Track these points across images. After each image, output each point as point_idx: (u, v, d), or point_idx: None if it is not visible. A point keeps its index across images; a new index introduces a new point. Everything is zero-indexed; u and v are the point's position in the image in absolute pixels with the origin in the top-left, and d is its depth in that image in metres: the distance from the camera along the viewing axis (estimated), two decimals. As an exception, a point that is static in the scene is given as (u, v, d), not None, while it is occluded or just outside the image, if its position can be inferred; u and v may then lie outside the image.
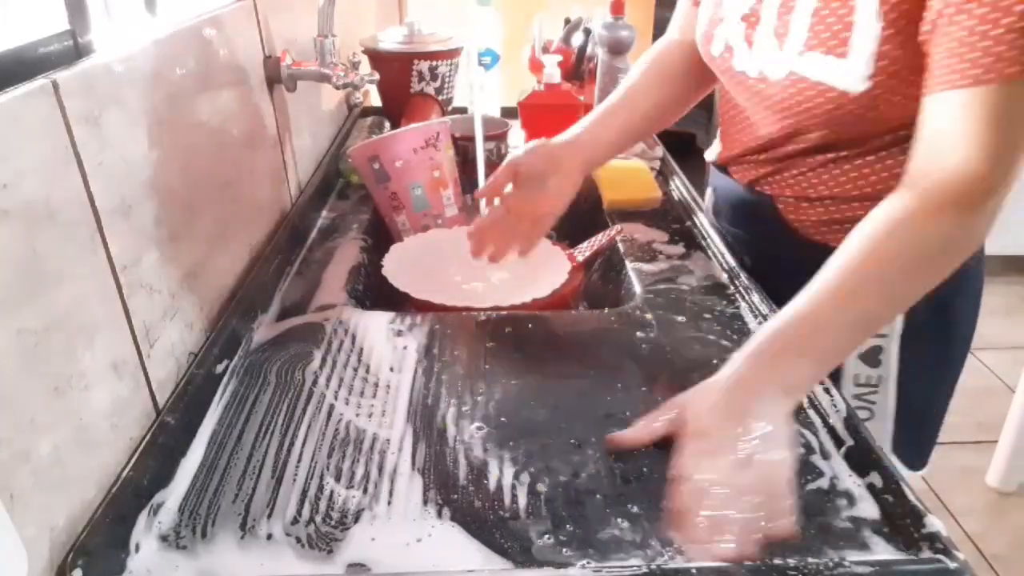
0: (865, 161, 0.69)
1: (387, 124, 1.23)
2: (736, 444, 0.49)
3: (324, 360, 0.66)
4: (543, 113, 1.21)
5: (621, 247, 0.88)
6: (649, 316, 0.73)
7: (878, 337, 0.74)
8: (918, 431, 0.78)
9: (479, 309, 0.75)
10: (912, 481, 0.54)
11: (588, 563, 0.45)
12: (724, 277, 0.81)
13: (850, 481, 0.52)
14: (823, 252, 0.56)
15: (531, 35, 1.44)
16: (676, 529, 0.48)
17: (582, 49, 1.39)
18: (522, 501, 0.50)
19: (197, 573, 0.45)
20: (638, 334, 0.70)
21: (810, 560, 0.45)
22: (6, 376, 0.41)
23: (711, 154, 0.87)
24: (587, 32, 1.38)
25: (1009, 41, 0.51)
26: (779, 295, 0.66)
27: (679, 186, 1.04)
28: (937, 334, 0.75)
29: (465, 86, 1.17)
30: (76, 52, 0.53)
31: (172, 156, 0.62)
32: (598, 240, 0.90)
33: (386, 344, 0.68)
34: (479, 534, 0.47)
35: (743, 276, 0.78)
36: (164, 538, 0.47)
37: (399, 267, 0.82)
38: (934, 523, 0.46)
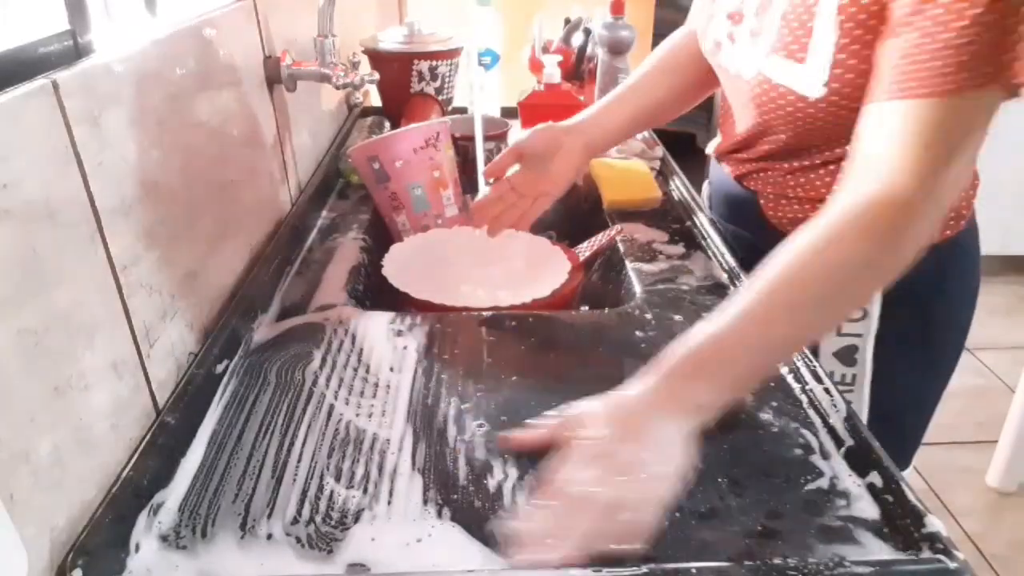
0: (839, 167, 0.69)
1: (387, 124, 1.23)
2: (619, 460, 0.48)
3: (324, 360, 0.66)
4: (543, 113, 1.20)
5: (621, 247, 0.88)
6: (649, 316, 0.73)
7: (853, 336, 0.74)
8: (895, 432, 0.78)
9: (479, 309, 0.75)
10: (912, 481, 0.54)
11: (589, 564, 0.45)
12: (724, 277, 0.81)
13: (850, 481, 0.52)
14: None
15: (531, 35, 1.44)
16: (519, 529, 0.47)
17: (582, 49, 1.39)
18: (522, 501, 0.50)
19: (197, 573, 0.45)
20: (638, 334, 0.70)
21: (810, 560, 0.45)
22: (6, 376, 0.41)
23: (710, 147, 0.88)
24: (587, 32, 1.38)
25: (945, 57, 0.51)
26: None
27: (679, 186, 1.04)
28: (916, 335, 0.75)
29: (465, 86, 1.17)
30: (76, 52, 0.53)
31: (172, 156, 0.62)
32: (598, 240, 0.90)
33: (386, 344, 0.68)
34: (479, 534, 0.47)
35: (743, 276, 0.78)
36: (164, 538, 0.47)
37: (399, 267, 0.82)
38: (934, 523, 0.46)
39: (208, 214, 0.70)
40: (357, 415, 0.59)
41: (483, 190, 0.86)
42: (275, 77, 0.89)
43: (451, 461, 0.54)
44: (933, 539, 0.46)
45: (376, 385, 0.63)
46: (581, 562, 0.44)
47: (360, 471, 0.53)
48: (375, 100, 1.39)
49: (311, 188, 0.99)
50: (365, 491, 0.51)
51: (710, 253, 0.86)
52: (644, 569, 0.44)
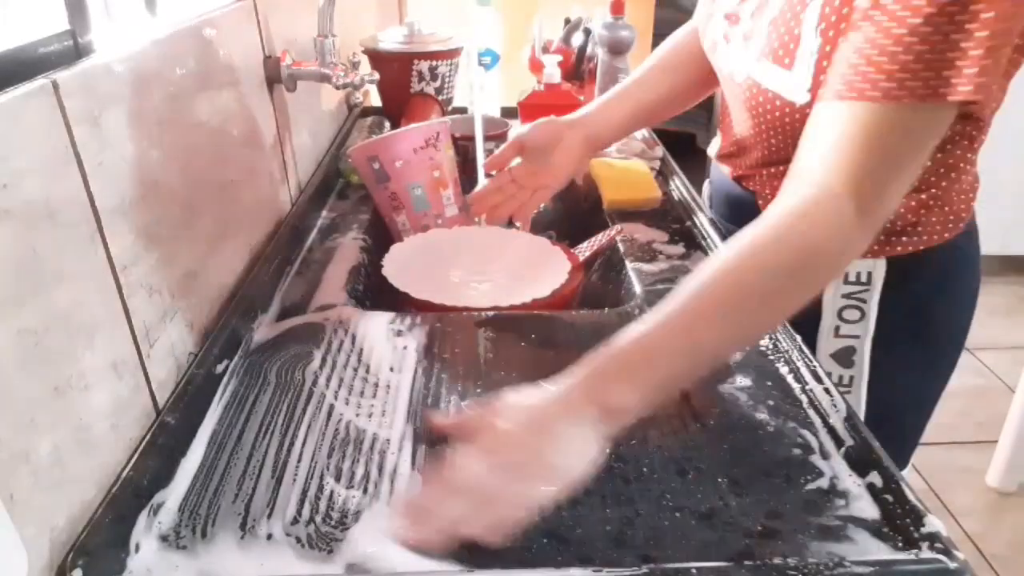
0: None
1: (387, 124, 1.22)
2: (513, 455, 0.48)
3: (324, 360, 0.66)
4: (543, 113, 1.19)
5: (621, 247, 0.88)
6: (649, 316, 0.73)
7: (851, 338, 0.74)
8: (893, 432, 0.78)
9: (479, 309, 0.75)
10: (912, 481, 0.54)
11: (588, 564, 0.45)
12: (724, 277, 0.81)
13: (850, 481, 0.52)
14: None
15: (531, 35, 1.44)
16: (401, 512, 0.48)
17: (582, 49, 1.39)
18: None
19: (197, 573, 0.45)
20: (638, 334, 0.70)
21: (810, 560, 0.45)
22: (6, 376, 0.41)
23: (712, 147, 0.88)
24: (587, 32, 1.38)
25: (883, 64, 0.51)
26: None
27: (679, 186, 1.04)
28: (914, 337, 0.75)
29: (465, 86, 1.17)
30: (76, 52, 0.53)
31: (172, 156, 0.62)
32: (598, 240, 0.90)
33: (386, 344, 0.68)
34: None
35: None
36: (164, 538, 0.47)
37: (399, 267, 0.82)
38: (934, 523, 0.46)
39: (208, 214, 0.70)
40: (357, 415, 0.59)
41: (483, 182, 0.86)
42: (275, 77, 0.89)
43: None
44: (933, 539, 0.46)
45: (376, 385, 0.63)
46: (436, 548, 0.45)
47: (360, 471, 0.53)
48: (375, 100, 1.39)
49: (311, 188, 0.99)
50: (365, 491, 0.51)
51: (710, 253, 0.86)
52: (644, 569, 0.44)
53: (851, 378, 0.76)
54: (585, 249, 0.89)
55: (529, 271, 0.83)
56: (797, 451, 0.55)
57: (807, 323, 0.73)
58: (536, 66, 1.37)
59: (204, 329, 0.67)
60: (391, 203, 0.92)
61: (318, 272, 0.83)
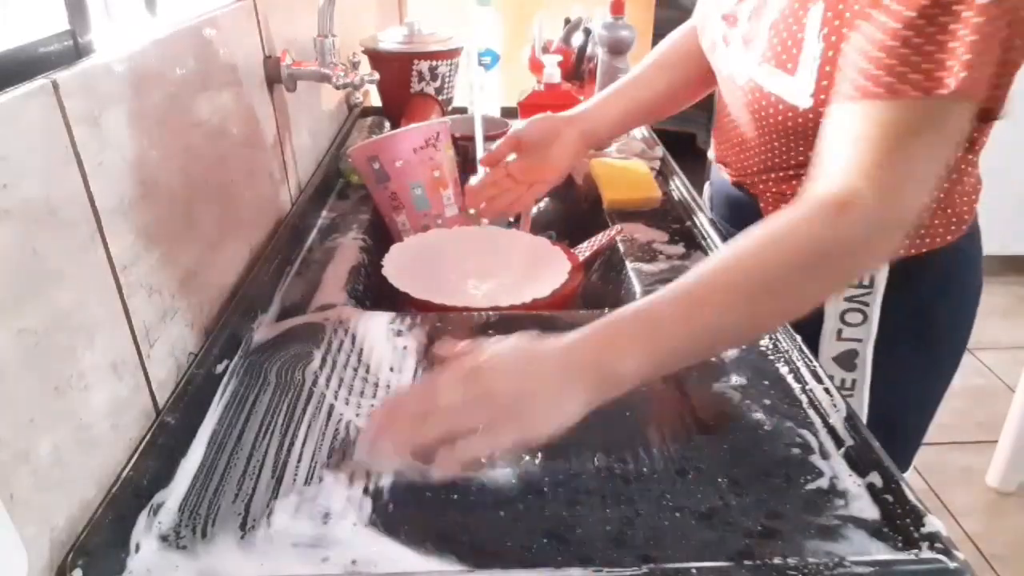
0: None
1: (387, 124, 1.23)
2: (494, 389, 0.47)
3: (324, 360, 0.66)
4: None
5: (621, 247, 0.88)
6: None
7: (853, 341, 0.74)
8: (894, 436, 0.78)
9: (479, 309, 0.75)
10: (912, 481, 0.54)
11: (588, 564, 0.45)
12: (724, 277, 0.81)
13: (850, 481, 0.52)
14: None
15: (531, 35, 1.44)
16: (375, 432, 0.48)
17: (582, 49, 1.39)
18: (522, 502, 0.50)
19: (197, 573, 0.45)
20: (638, 334, 0.70)
21: (810, 560, 0.45)
22: (6, 376, 0.41)
23: (711, 150, 0.88)
24: (587, 32, 1.38)
25: (883, 60, 0.51)
26: None
27: (679, 186, 1.04)
28: (917, 341, 0.74)
29: (465, 86, 1.17)
30: (76, 52, 0.53)
31: (172, 156, 0.62)
32: (598, 240, 0.90)
33: (386, 344, 0.68)
34: (479, 534, 0.47)
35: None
36: (164, 538, 0.47)
37: (399, 267, 0.82)
38: (934, 523, 0.46)
39: (208, 214, 0.70)
40: (357, 415, 0.59)
41: (478, 176, 0.87)
42: (275, 77, 0.89)
43: (451, 461, 0.54)
44: (933, 539, 0.46)
45: (376, 385, 0.63)
46: (386, 458, 0.46)
47: (360, 471, 0.53)
48: (375, 100, 1.39)
49: (311, 188, 0.99)
50: (365, 491, 0.51)
51: (710, 253, 0.86)
52: (644, 569, 0.44)
53: (853, 381, 0.76)
54: (585, 249, 0.89)
55: (529, 271, 0.83)
56: (797, 451, 0.55)
57: (809, 326, 0.73)
58: (536, 66, 1.37)
59: (204, 329, 0.67)
60: (391, 203, 0.92)
61: (318, 272, 0.83)
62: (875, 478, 0.51)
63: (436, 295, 0.76)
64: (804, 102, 0.63)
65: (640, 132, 1.23)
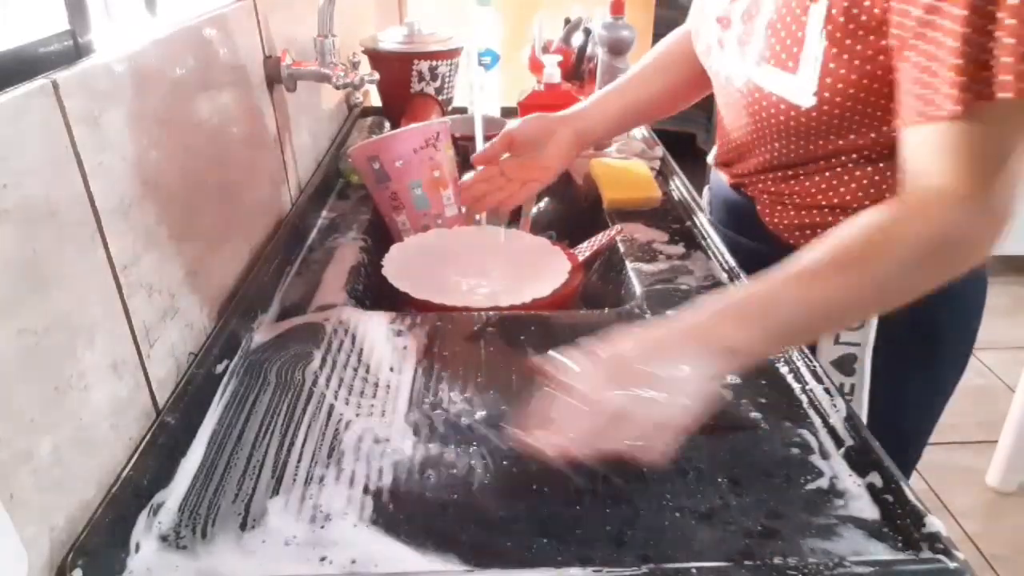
0: (834, 173, 0.69)
1: (387, 124, 1.23)
2: (634, 375, 0.49)
3: (324, 360, 0.66)
4: (543, 113, 1.21)
5: (621, 247, 0.88)
6: (649, 316, 0.73)
7: (851, 345, 0.74)
8: (895, 442, 0.78)
9: (479, 309, 0.75)
10: (912, 481, 0.54)
11: (588, 564, 0.45)
12: (724, 277, 0.81)
13: (850, 481, 0.52)
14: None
15: (531, 35, 1.44)
16: (530, 423, 0.49)
17: (582, 49, 1.39)
18: (523, 502, 0.50)
19: (197, 573, 0.45)
20: (638, 334, 0.70)
21: (810, 560, 0.45)
22: (6, 376, 0.41)
23: (711, 154, 0.88)
24: (587, 32, 1.38)
25: (945, 74, 0.51)
26: None
27: (679, 186, 1.04)
28: (917, 347, 0.74)
29: (465, 86, 1.17)
30: (76, 52, 0.53)
31: (172, 156, 0.62)
32: (598, 240, 0.90)
33: (386, 344, 0.68)
34: (479, 534, 0.47)
35: (743, 276, 0.78)
36: (164, 538, 0.47)
37: (399, 267, 0.82)
38: (934, 523, 0.46)
39: (208, 214, 0.70)
40: (357, 415, 0.59)
41: (472, 173, 0.87)
42: (275, 77, 0.89)
43: (451, 461, 0.54)
44: (933, 539, 0.46)
45: (376, 385, 0.63)
46: (577, 458, 0.47)
47: (361, 471, 0.53)
48: (375, 100, 1.39)
49: (311, 188, 0.99)
50: (365, 490, 0.51)
51: (710, 253, 0.86)
52: (644, 569, 0.44)
53: (852, 386, 0.75)
54: (585, 249, 0.89)
55: (529, 271, 0.83)
56: (797, 451, 0.55)
57: None
58: (536, 66, 1.37)
59: (204, 329, 0.67)
60: (391, 203, 0.92)
61: (318, 272, 0.83)
62: (875, 478, 0.51)
63: (436, 295, 0.76)
64: (806, 101, 0.63)
65: (640, 132, 1.23)
